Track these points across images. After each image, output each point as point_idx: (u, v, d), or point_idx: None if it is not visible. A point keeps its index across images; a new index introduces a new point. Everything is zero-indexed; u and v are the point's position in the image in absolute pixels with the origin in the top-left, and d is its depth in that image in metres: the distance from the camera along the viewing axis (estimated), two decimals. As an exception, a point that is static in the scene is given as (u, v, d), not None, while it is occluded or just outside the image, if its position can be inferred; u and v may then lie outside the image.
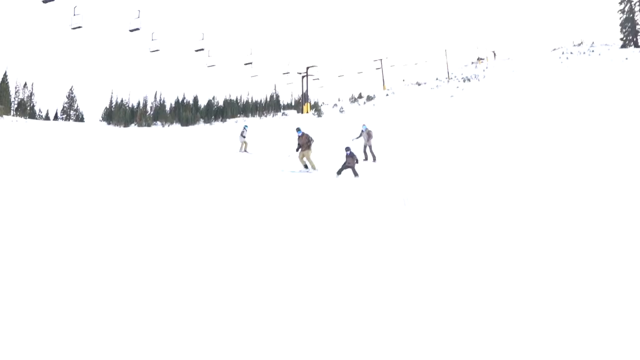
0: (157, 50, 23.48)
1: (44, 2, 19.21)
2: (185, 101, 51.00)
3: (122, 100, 49.19)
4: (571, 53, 35.95)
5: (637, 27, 35.21)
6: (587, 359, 1.81)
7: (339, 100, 40.16)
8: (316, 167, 9.38)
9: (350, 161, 8.40)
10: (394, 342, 1.94)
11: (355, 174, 8.31)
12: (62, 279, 2.58)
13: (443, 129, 17.33)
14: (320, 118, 28.42)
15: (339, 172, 8.47)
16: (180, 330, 2.03)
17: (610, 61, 29.01)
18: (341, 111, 30.71)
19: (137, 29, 21.66)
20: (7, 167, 7.22)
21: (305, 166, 9.47)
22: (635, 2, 35.65)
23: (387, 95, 35.11)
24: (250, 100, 53.49)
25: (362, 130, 11.69)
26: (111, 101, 48.90)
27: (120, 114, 46.00)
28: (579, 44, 40.47)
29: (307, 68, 35.40)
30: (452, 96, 28.97)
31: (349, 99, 37.96)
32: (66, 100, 47.46)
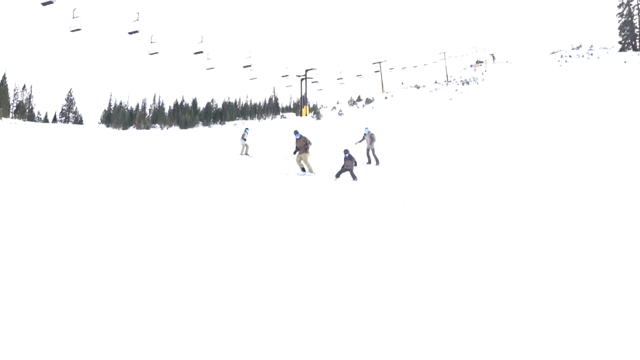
0: (156, 53, 23.43)
1: (43, 4, 19.20)
2: (184, 104, 51.03)
3: (121, 103, 49.18)
4: (570, 56, 36.09)
5: (636, 30, 35.44)
6: (587, 358, 1.75)
7: (337, 103, 40.20)
8: (313, 170, 9.30)
9: (349, 164, 8.32)
10: (394, 342, 1.90)
11: (354, 177, 8.24)
12: (62, 279, 2.55)
13: (442, 132, 17.33)
14: (319, 121, 28.38)
15: (337, 175, 8.40)
16: (181, 330, 2.01)
17: (609, 64, 29.13)
18: (340, 114, 30.73)
19: (137, 32, 21.65)
20: (7, 170, 7.14)
21: (303, 169, 9.39)
22: (634, 6, 35.91)
23: (386, 98, 35.15)
24: (249, 103, 53.54)
25: (365, 134, 11.54)
26: (110, 104, 48.89)
27: (119, 117, 45.96)
28: (578, 47, 40.62)
29: (306, 71, 35.42)
30: (451, 99, 29.02)
31: (348, 102, 37.98)
32: (65, 102, 47.43)
